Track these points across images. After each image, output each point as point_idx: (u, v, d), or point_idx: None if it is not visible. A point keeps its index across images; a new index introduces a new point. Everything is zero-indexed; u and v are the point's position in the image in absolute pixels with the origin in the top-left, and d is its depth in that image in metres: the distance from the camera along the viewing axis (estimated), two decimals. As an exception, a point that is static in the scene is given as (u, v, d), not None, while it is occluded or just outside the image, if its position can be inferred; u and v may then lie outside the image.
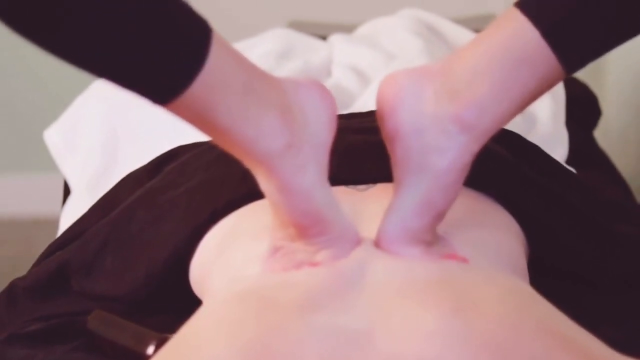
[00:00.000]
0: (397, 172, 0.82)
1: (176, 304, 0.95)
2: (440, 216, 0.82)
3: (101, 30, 0.68)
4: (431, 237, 0.83)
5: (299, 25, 1.86)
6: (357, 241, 0.82)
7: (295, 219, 0.80)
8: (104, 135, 1.35)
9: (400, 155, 0.81)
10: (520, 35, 0.77)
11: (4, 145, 2.76)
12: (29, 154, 2.72)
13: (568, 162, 1.32)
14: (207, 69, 0.72)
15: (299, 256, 0.81)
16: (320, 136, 0.81)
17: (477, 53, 0.79)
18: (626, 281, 1.01)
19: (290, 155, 0.77)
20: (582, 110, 1.49)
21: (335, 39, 1.53)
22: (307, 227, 0.80)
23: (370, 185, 0.96)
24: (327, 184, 0.81)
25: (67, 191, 1.42)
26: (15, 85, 2.72)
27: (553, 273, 1.00)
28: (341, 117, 1.15)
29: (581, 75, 1.63)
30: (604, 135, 1.84)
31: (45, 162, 1.74)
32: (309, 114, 0.80)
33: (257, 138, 0.76)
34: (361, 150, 0.99)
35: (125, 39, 0.69)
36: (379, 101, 0.83)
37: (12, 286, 1.07)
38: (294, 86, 0.80)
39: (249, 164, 0.79)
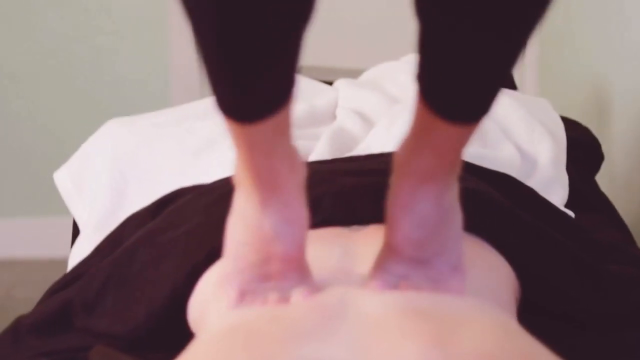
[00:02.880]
0: None
1: (177, 341, 0.96)
2: (396, 251, 0.84)
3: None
4: (401, 270, 0.84)
5: (308, 70, 1.88)
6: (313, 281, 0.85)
7: (291, 249, 0.83)
8: (112, 176, 1.38)
9: None
10: None
11: (19, 190, 2.81)
12: (42, 198, 2.77)
13: (568, 205, 1.32)
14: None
15: (272, 295, 0.83)
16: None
17: None
18: (616, 321, 1.02)
19: (302, 188, 0.83)
20: (585, 154, 1.49)
21: (341, 83, 1.55)
22: (294, 259, 0.83)
23: (364, 226, 0.98)
24: None
25: (76, 232, 1.44)
26: (29, 135, 2.77)
27: (543, 312, 1.00)
28: (339, 160, 1.18)
29: (587, 121, 1.64)
30: (610, 181, 1.85)
31: (59, 205, 1.77)
32: None
33: (295, 167, 0.81)
34: (355, 192, 1.01)
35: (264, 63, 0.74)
36: None
37: (17, 323, 1.09)
38: None
39: (272, 194, 0.81)
